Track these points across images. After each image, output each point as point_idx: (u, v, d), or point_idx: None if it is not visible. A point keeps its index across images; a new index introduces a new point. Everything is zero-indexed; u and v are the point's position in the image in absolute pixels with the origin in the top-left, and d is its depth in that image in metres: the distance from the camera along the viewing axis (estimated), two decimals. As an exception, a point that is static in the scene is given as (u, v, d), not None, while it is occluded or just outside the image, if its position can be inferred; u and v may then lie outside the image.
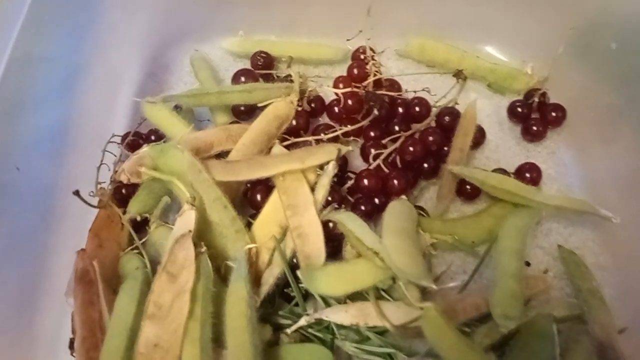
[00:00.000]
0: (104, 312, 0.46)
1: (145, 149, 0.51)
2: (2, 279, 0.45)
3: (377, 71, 0.61)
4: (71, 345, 0.46)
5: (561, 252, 0.54)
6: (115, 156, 0.55)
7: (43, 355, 0.47)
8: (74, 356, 0.46)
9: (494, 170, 0.56)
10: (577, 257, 0.53)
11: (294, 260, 0.48)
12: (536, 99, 0.61)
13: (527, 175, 0.56)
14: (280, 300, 0.49)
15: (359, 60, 0.63)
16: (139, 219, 0.51)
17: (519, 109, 0.61)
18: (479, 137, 0.59)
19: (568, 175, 0.59)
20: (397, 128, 0.58)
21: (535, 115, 0.61)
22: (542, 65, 0.62)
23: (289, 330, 0.46)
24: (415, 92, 0.60)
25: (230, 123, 0.59)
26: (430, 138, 0.56)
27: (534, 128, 0.60)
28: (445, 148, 0.57)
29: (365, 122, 0.56)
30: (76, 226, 0.51)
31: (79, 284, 0.47)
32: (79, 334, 0.45)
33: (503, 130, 0.62)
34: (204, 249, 0.46)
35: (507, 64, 0.65)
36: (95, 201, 0.51)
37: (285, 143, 0.55)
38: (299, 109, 0.57)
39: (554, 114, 0.60)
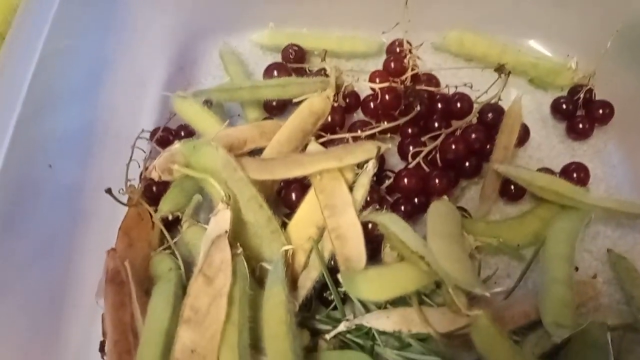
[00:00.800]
0: (136, 315, 0.44)
1: (177, 145, 0.49)
2: (33, 278, 0.44)
3: (414, 65, 0.58)
4: (102, 348, 0.45)
5: (610, 257, 0.51)
6: (145, 152, 0.53)
7: (73, 357, 0.45)
8: (104, 359, 0.44)
9: (539, 170, 0.54)
10: (627, 261, 0.51)
11: (332, 263, 0.46)
12: (582, 95, 0.58)
13: (574, 175, 0.54)
14: (317, 304, 0.48)
15: (395, 53, 0.60)
16: (170, 217, 0.49)
17: (564, 106, 0.58)
18: (524, 135, 0.56)
19: (616, 175, 0.56)
20: (436, 125, 0.55)
21: (580, 112, 0.58)
22: (588, 61, 0.59)
23: (327, 336, 0.44)
24: (455, 87, 0.57)
25: (263, 119, 0.57)
26: (473, 135, 0.53)
27: (580, 126, 0.57)
28: (488, 146, 0.54)
29: (406, 118, 0.54)
30: (106, 225, 0.49)
31: (109, 285, 0.45)
32: (110, 337, 0.43)
33: (546, 127, 0.60)
34: (240, 250, 0.44)
35: (551, 58, 0.62)
36: (125, 199, 0.49)
37: (321, 140, 0.53)
38: (335, 104, 0.55)
39: (601, 111, 0.57)
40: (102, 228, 0.50)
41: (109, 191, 0.46)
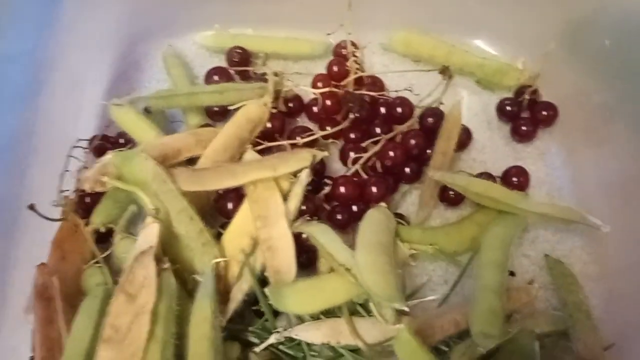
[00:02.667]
0: (62, 331, 0.44)
1: (108, 156, 0.49)
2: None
3: (358, 68, 0.58)
4: (31, 365, 0.45)
5: (548, 262, 0.51)
6: (82, 162, 0.53)
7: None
8: (33, 376, 0.44)
9: (479, 175, 0.54)
10: (564, 267, 0.51)
11: (265, 274, 0.46)
12: (527, 97, 0.57)
13: (514, 179, 0.54)
14: (251, 315, 0.47)
15: (340, 56, 0.60)
16: (103, 230, 0.49)
17: (509, 107, 0.58)
18: (465, 138, 0.56)
19: (558, 178, 0.56)
20: (378, 130, 0.55)
21: (525, 114, 0.58)
22: (534, 61, 0.58)
23: (257, 349, 0.44)
24: (397, 91, 0.57)
25: (203, 125, 0.56)
26: (412, 141, 0.53)
27: (524, 128, 0.57)
28: (429, 151, 0.54)
29: (343, 125, 0.54)
30: (40, 237, 0.48)
31: (38, 301, 0.45)
32: (37, 353, 0.43)
33: (491, 129, 0.59)
34: (167, 264, 0.43)
35: (497, 58, 0.61)
36: (56, 212, 0.48)
37: (259, 147, 0.52)
38: (274, 110, 0.54)
39: (544, 112, 0.57)
40: (37, 240, 0.49)
41: (31, 207, 0.45)
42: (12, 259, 0.48)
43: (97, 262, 0.47)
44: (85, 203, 0.50)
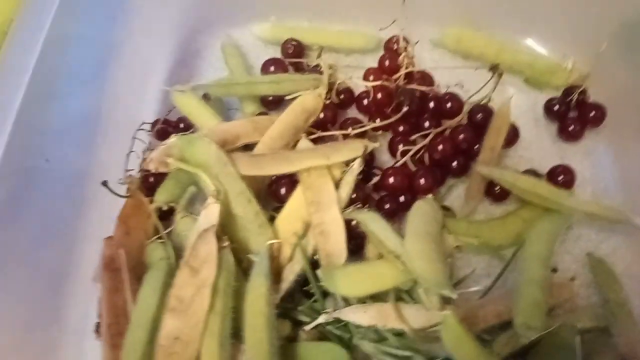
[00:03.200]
0: (128, 300, 0.47)
1: (173, 139, 0.51)
2: (34, 264, 0.47)
3: (409, 63, 0.59)
4: (97, 330, 0.48)
5: (590, 260, 0.52)
6: (145, 143, 0.56)
7: (71, 336, 0.48)
8: (99, 340, 0.47)
9: (525, 172, 0.55)
10: (606, 265, 0.52)
11: (316, 257, 0.49)
12: (575, 97, 0.58)
13: (560, 178, 0.54)
14: (300, 296, 0.50)
15: (391, 51, 0.62)
16: (165, 208, 0.52)
17: (556, 107, 0.59)
18: (512, 136, 0.57)
19: (605, 178, 0.57)
20: (427, 124, 0.56)
21: (573, 113, 0.59)
22: (584, 61, 0.59)
23: (307, 328, 0.47)
24: (447, 87, 0.58)
25: (259, 114, 0.58)
26: (461, 136, 0.55)
27: (571, 127, 0.58)
28: (477, 146, 0.55)
29: (394, 119, 0.55)
30: (106, 213, 0.52)
31: (105, 271, 0.48)
32: (104, 319, 0.47)
33: (538, 128, 0.60)
34: (226, 243, 0.46)
35: (547, 58, 0.62)
36: (123, 189, 0.52)
37: (312, 136, 0.54)
38: (327, 101, 0.56)
39: (592, 113, 0.58)
40: (104, 216, 0.52)
41: (105, 184, 0.49)
42: (82, 231, 0.51)
43: (159, 238, 0.50)
44: (149, 182, 0.53)
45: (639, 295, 0.50)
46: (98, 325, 0.48)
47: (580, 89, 0.58)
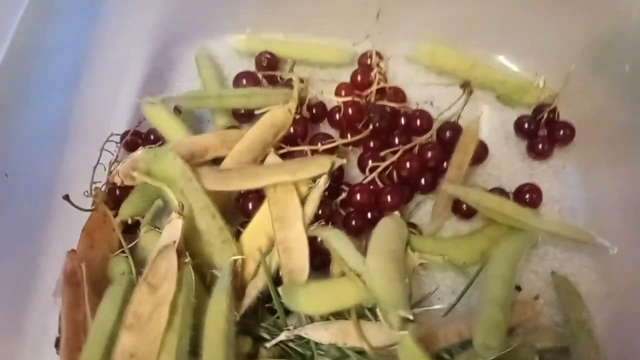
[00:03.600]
0: (88, 315, 0.47)
1: (139, 152, 0.51)
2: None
3: (381, 79, 0.60)
4: (57, 344, 0.48)
5: (554, 279, 0.53)
6: (114, 155, 0.55)
7: (30, 351, 0.48)
8: (58, 355, 0.47)
9: (492, 190, 0.55)
10: (570, 284, 0.52)
11: (280, 274, 0.49)
12: (545, 115, 0.58)
13: (527, 196, 0.55)
14: (264, 312, 0.50)
15: (364, 66, 0.62)
16: (130, 221, 0.52)
17: (526, 125, 0.59)
18: (481, 153, 0.57)
19: (572, 197, 0.57)
20: (397, 140, 0.57)
21: (542, 132, 0.59)
22: (556, 80, 0.59)
23: (268, 345, 0.47)
24: (418, 104, 0.58)
25: (229, 127, 0.58)
26: (429, 154, 0.55)
27: (540, 146, 0.58)
28: (445, 163, 0.56)
29: (363, 135, 0.56)
30: (71, 226, 0.52)
31: (66, 285, 0.48)
32: (63, 334, 0.46)
33: (509, 145, 0.61)
34: (187, 259, 0.46)
35: (519, 75, 0.62)
36: (88, 202, 0.51)
37: (281, 151, 0.54)
38: (298, 116, 0.56)
39: (561, 132, 0.58)
40: (68, 228, 0.52)
41: (66, 198, 0.49)
42: (45, 244, 0.51)
43: (123, 252, 0.50)
44: (115, 195, 0.54)
45: (601, 314, 0.51)
46: (58, 340, 0.48)
47: (551, 108, 0.58)
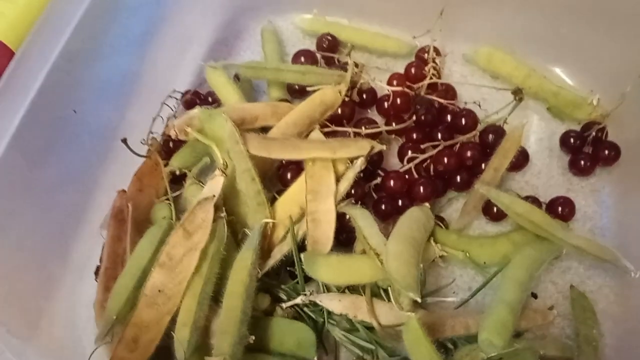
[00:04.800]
0: (127, 249, 0.51)
1: (196, 110, 0.55)
2: (51, 204, 0.51)
3: (434, 74, 0.61)
4: (96, 272, 0.53)
5: (572, 293, 0.53)
6: (173, 111, 0.60)
7: (72, 275, 0.53)
8: (96, 281, 0.52)
9: (526, 197, 0.56)
10: (586, 300, 0.53)
11: (305, 243, 0.51)
12: (593, 133, 0.58)
13: (559, 209, 0.55)
14: (286, 275, 0.53)
15: (421, 59, 0.63)
16: (178, 173, 0.56)
17: (572, 140, 0.59)
18: (521, 160, 0.58)
19: (605, 217, 0.57)
20: (439, 135, 0.58)
21: (587, 149, 0.59)
22: (609, 99, 0.59)
23: (284, 305, 0.50)
24: (466, 103, 0.60)
25: (282, 100, 0.61)
26: (468, 153, 0.56)
27: (582, 163, 0.58)
28: (483, 165, 0.57)
29: (406, 125, 0.57)
30: (125, 167, 0.56)
31: (113, 220, 0.53)
32: (104, 264, 0.51)
33: (551, 157, 0.61)
34: (223, 214, 0.49)
35: (573, 90, 0.62)
36: (143, 149, 0.56)
37: (325, 130, 0.57)
38: (347, 99, 0.59)
39: (607, 152, 0.58)
40: (122, 170, 0.56)
41: (124, 141, 0.53)
42: (99, 182, 0.56)
43: (167, 199, 0.55)
44: (168, 147, 0.58)
45: (613, 335, 0.51)
46: (98, 269, 0.53)
47: (600, 126, 0.58)
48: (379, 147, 0.54)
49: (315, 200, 0.52)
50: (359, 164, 0.52)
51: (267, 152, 0.53)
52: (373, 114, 0.64)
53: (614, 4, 0.56)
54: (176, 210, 0.54)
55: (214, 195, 0.49)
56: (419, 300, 0.43)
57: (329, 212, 0.51)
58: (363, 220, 0.50)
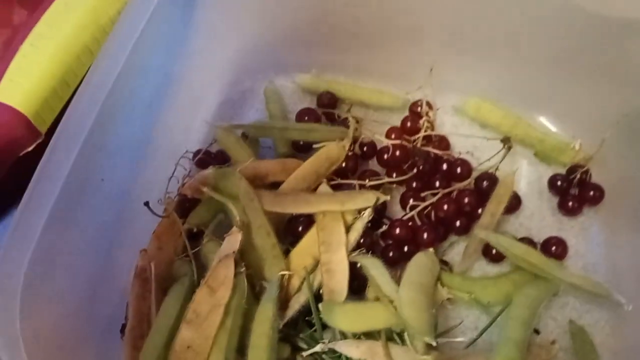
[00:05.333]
0: (152, 307, 0.53)
1: (210, 170, 0.59)
2: (78, 265, 0.53)
3: (429, 127, 0.66)
4: (122, 330, 0.55)
5: (571, 327, 0.57)
6: (186, 170, 0.63)
7: (100, 334, 0.55)
8: (122, 339, 0.54)
9: (521, 239, 0.60)
10: (586, 334, 0.56)
11: (320, 292, 0.54)
12: (578, 176, 0.63)
13: (553, 248, 0.59)
14: (303, 324, 0.56)
15: (414, 113, 0.68)
16: (195, 230, 0.59)
17: (559, 183, 0.64)
18: (515, 204, 0.62)
19: (595, 254, 0.61)
20: (437, 184, 0.62)
21: (574, 191, 0.64)
22: (591, 144, 0.64)
23: (304, 354, 0.53)
24: (460, 153, 0.64)
25: (289, 155, 0.65)
26: (466, 199, 0.60)
27: (570, 204, 0.63)
28: (480, 210, 0.61)
29: (408, 176, 0.62)
30: (144, 228, 0.59)
31: (136, 279, 0.55)
32: (130, 322, 0.53)
33: (541, 199, 0.65)
34: (243, 269, 0.52)
35: (557, 136, 0.67)
36: (161, 209, 0.59)
37: (332, 182, 0.61)
38: (350, 152, 0.63)
39: (592, 193, 0.62)
40: (141, 230, 0.59)
41: (146, 204, 0.56)
42: (121, 242, 0.58)
43: (186, 256, 0.57)
44: (184, 205, 0.61)
45: (612, 367, 0.55)
46: (123, 327, 0.55)
47: (584, 169, 0.63)
48: (383, 197, 0.58)
49: (328, 252, 0.55)
50: (367, 214, 0.56)
51: (281, 207, 0.57)
52: (373, 164, 0.68)
53: (591, 57, 0.61)
54: (195, 266, 0.56)
55: (234, 251, 0.52)
56: (435, 344, 0.46)
57: (342, 262, 0.54)
58: (375, 269, 0.53)
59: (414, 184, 0.63)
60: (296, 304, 0.54)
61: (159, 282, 0.55)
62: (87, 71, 0.55)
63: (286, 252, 0.57)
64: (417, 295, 0.50)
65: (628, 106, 0.61)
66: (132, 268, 0.56)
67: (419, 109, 0.68)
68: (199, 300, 0.50)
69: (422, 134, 0.64)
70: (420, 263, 0.55)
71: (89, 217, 0.54)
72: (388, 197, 0.58)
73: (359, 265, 0.55)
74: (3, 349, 0.44)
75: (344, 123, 0.66)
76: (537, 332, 0.57)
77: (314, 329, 0.54)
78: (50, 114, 0.63)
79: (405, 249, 0.59)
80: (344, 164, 0.62)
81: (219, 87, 0.73)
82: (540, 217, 0.64)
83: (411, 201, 0.61)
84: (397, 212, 0.64)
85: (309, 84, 0.73)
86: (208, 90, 0.72)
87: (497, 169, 0.63)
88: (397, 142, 0.64)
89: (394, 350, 0.51)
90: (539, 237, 0.61)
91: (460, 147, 0.67)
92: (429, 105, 0.68)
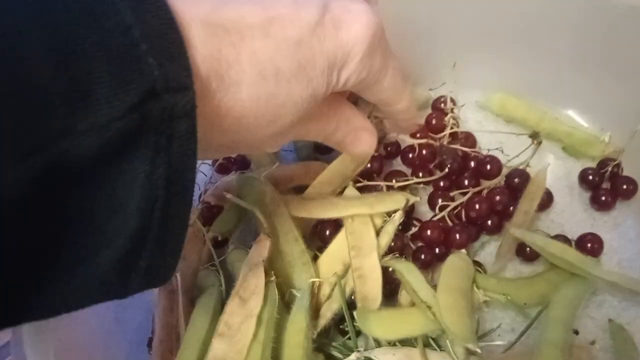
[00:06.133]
0: (180, 320, 0.52)
1: (233, 176, 0.57)
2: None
3: (454, 123, 0.64)
4: (149, 344, 0.53)
5: (611, 326, 0.55)
6: (207, 176, 0.61)
7: (127, 347, 0.53)
8: (150, 354, 0.52)
9: (555, 237, 0.58)
10: (626, 332, 0.54)
11: (352, 298, 0.53)
12: (609, 169, 0.61)
13: (588, 245, 0.57)
14: (336, 332, 0.54)
15: (438, 109, 0.66)
16: (219, 238, 0.57)
17: (590, 177, 0.62)
18: (546, 201, 0.60)
19: (631, 249, 0.60)
20: (466, 182, 0.60)
21: (606, 185, 0.62)
22: (621, 136, 0.62)
23: (339, 363, 0.51)
24: (488, 150, 0.62)
25: (310, 159, 0.63)
26: (497, 197, 0.58)
27: (603, 198, 0.61)
28: (511, 208, 0.59)
29: (438, 176, 0.60)
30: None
31: (162, 292, 0.54)
32: (157, 335, 0.52)
33: (572, 195, 0.64)
34: (273, 278, 0.51)
35: (586, 129, 0.66)
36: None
37: (359, 185, 0.59)
38: (375, 153, 0.61)
39: (625, 186, 0.61)
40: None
41: (170, 213, 0.54)
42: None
43: (212, 265, 0.56)
44: (208, 213, 0.59)
45: (653, 365, 0.53)
46: (150, 340, 0.53)
47: (615, 162, 0.61)
48: (413, 199, 0.56)
49: (359, 257, 0.53)
50: (398, 217, 0.55)
51: (308, 212, 0.55)
52: (397, 164, 0.66)
53: (617, 49, 0.60)
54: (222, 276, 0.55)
55: (263, 260, 0.51)
56: (479, 350, 0.45)
57: (375, 268, 0.53)
58: (409, 274, 0.51)
59: (442, 184, 0.61)
60: (328, 312, 0.52)
61: (185, 293, 0.54)
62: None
63: (314, 259, 0.55)
64: (456, 300, 0.49)
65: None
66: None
67: (442, 105, 0.66)
68: (230, 312, 0.48)
69: (447, 130, 0.63)
70: (455, 266, 0.54)
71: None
72: (418, 199, 0.57)
73: (390, 269, 0.54)
74: (34, 360, 0.43)
75: (367, 123, 0.64)
76: (576, 332, 0.55)
77: (347, 336, 0.52)
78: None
79: (437, 250, 0.57)
80: (369, 165, 0.60)
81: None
82: (571, 213, 0.63)
83: (440, 201, 0.59)
84: (424, 213, 0.62)
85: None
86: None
87: (527, 165, 0.61)
88: (424, 140, 0.62)
89: (431, 356, 0.50)
90: (572, 234, 0.60)
91: (485, 143, 0.66)
92: (452, 101, 0.66)
